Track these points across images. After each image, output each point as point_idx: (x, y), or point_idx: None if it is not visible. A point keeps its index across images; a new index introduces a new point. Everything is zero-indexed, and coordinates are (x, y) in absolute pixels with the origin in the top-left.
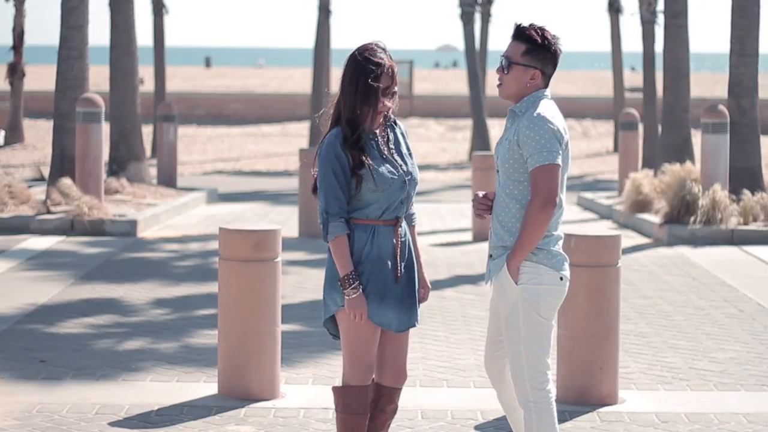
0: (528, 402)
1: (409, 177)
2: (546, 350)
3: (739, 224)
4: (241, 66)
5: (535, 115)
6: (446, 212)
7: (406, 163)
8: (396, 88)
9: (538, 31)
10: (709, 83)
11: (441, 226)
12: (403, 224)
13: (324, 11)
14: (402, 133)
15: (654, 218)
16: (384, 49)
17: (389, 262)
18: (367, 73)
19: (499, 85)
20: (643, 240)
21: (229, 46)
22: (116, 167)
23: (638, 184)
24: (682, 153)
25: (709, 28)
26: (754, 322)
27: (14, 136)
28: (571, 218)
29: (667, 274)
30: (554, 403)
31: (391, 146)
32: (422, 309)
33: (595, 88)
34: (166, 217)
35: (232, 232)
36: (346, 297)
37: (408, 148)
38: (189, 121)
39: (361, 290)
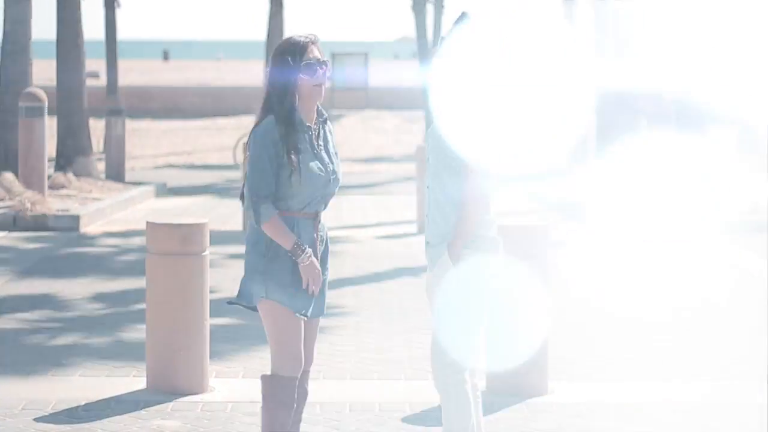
0: (447, 386)
1: (334, 176)
2: (476, 337)
3: None
4: (200, 59)
5: None
6: (394, 204)
7: (332, 162)
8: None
9: None
10: None
11: (387, 218)
12: (322, 219)
13: (276, 2)
14: (330, 131)
15: None
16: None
17: None
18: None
19: None
20: None
21: (188, 38)
22: (63, 162)
23: None
24: None
25: None
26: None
27: None
28: None
29: None
30: (469, 390)
31: (321, 143)
32: (360, 301)
33: None
34: (111, 211)
35: (159, 226)
36: (301, 264)
37: (334, 147)
38: (144, 114)
39: (312, 254)
